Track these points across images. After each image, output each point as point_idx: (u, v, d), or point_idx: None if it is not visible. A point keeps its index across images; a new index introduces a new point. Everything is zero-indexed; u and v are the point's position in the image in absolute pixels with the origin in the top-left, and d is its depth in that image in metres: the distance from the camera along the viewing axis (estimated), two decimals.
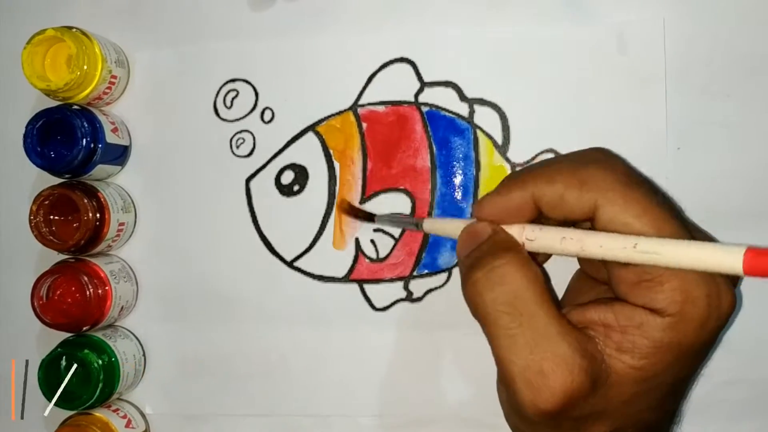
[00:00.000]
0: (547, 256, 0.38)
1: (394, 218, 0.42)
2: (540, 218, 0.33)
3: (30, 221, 0.41)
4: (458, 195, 0.43)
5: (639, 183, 0.31)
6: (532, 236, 0.32)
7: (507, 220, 0.33)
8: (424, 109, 0.43)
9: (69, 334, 0.43)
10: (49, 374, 0.42)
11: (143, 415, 0.45)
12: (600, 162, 0.31)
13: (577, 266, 0.38)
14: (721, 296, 0.29)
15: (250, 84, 0.45)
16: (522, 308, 0.30)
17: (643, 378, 0.30)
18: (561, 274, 0.38)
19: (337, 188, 0.44)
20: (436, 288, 0.43)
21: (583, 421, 0.30)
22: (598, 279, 0.36)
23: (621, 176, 0.30)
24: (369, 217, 0.42)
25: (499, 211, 0.33)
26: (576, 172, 0.31)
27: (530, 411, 0.29)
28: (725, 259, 0.27)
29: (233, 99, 0.45)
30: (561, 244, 0.31)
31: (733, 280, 0.31)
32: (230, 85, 0.45)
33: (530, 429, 0.32)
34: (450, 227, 0.36)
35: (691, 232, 0.30)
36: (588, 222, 0.32)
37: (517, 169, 0.43)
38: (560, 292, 0.38)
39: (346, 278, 0.44)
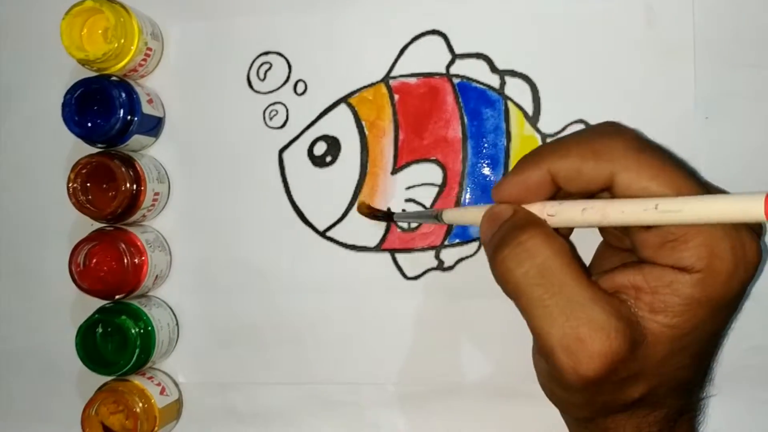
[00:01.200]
0: (570, 230, 0.39)
1: (412, 214, 0.43)
2: (557, 195, 0.33)
3: (68, 188, 0.42)
4: (489, 165, 0.43)
5: (651, 148, 0.31)
6: (552, 211, 0.32)
7: (527, 200, 0.33)
8: (456, 80, 0.44)
9: (104, 302, 0.44)
10: (86, 340, 0.42)
11: (176, 384, 0.46)
12: (611, 133, 0.32)
13: (598, 239, 0.38)
14: (746, 247, 0.30)
15: (283, 57, 0.45)
16: (553, 279, 0.30)
17: (677, 336, 0.30)
18: (583, 248, 0.38)
19: (369, 159, 0.44)
20: (467, 257, 0.44)
21: (621, 383, 0.31)
22: (621, 247, 0.36)
23: (633, 143, 0.31)
24: (388, 217, 0.43)
25: (517, 191, 0.33)
26: (589, 144, 0.32)
27: (572, 378, 0.30)
28: (746, 207, 0.27)
29: (266, 71, 0.45)
30: (583, 215, 0.31)
31: (757, 231, 0.32)
32: (263, 58, 0.45)
33: (570, 396, 0.33)
34: (471, 214, 0.37)
35: (708, 189, 0.31)
36: (606, 192, 0.32)
37: (548, 140, 0.43)
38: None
39: (378, 248, 0.44)
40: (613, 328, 0.29)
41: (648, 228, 0.30)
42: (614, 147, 0.31)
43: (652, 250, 0.31)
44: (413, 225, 0.44)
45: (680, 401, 0.34)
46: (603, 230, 0.38)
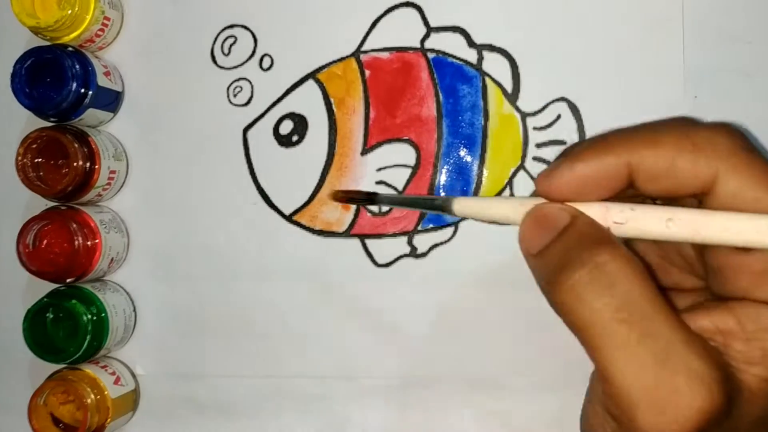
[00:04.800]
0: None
1: (406, 199, 0.35)
2: (618, 197, 0.26)
3: (17, 164, 0.40)
4: (465, 146, 0.41)
5: (758, 150, 0.25)
6: (621, 218, 0.25)
7: (582, 198, 0.26)
8: (431, 55, 0.41)
9: (57, 285, 0.41)
10: (35, 325, 0.40)
11: (133, 374, 0.43)
12: (712, 125, 0.25)
13: None
14: None
15: (249, 30, 0.43)
16: (640, 315, 0.24)
17: None
18: None
19: (338, 138, 0.42)
20: (441, 243, 0.41)
21: None
22: (674, 286, 0.30)
23: (741, 140, 0.25)
24: (369, 200, 0.33)
25: (576, 185, 0.26)
26: (687, 134, 0.25)
27: None
28: None
29: (231, 45, 0.43)
30: (667, 228, 0.24)
31: None
32: (228, 31, 0.43)
33: None
34: (498, 209, 0.27)
35: None
36: (690, 199, 0.26)
37: (528, 119, 0.41)
38: None
39: (347, 233, 0.42)
40: (713, 380, 0.23)
41: (747, 250, 0.24)
42: (719, 142, 0.24)
43: (752, 278, 0.25)
44: (384, 209, 0.42)
45: None
46: (660, 266, 0.30)
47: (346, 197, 0.36)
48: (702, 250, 0.26)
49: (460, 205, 0.28)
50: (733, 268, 0.25)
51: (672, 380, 0.23)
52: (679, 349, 0.23)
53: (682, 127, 0.25)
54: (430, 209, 0.32)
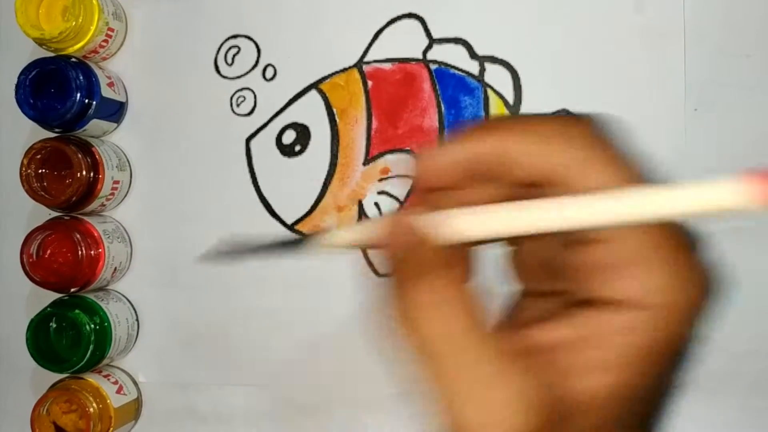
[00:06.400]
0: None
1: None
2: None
3: (21, 175, 0.40)
4: None
5: (612, 143, 0.26)
6: (468, 224, 0.24)
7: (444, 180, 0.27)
8: (433, 66, 0.42)
9: (60, 295, 0.41)
10: (37, 335, 0.40)
11: (135, 383, 0.43)
12: (566, 117, 0.27)
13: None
14: (691, 279, 0.23)
15: (252, 40, 0.43)
16: (456, 349, 0.22)
17: (617, 396, 0.24)
18: None
19: (340, 149, 0.42)
20: None
21: None
22: (544, 290, 0.31)
23: (594, 132, 0.26)
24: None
25: (448, 167, 0.26)
26: (544, 124, 0.27)
27: None
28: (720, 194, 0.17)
29: (234, 55, 0.43)
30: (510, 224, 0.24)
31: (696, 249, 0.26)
32: (232, 42, 0.43)
33: None
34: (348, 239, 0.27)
35: None
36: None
37: None
38: None
39: None
40: (524, 404, 0.23)
41: (582, 247, 0.23)
42: (573, 134, 0.26)
43: (593, 277, 0.23)
44: None
45: None
46: (521, 272, 0.32)
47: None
48: (563, 254, 0.24)
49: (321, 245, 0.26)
50: (577, 267, 0.23)
51: (479, 412, 0.22)
52: (491, 377, 0.22)
53: (536, 118, 0.24)
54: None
